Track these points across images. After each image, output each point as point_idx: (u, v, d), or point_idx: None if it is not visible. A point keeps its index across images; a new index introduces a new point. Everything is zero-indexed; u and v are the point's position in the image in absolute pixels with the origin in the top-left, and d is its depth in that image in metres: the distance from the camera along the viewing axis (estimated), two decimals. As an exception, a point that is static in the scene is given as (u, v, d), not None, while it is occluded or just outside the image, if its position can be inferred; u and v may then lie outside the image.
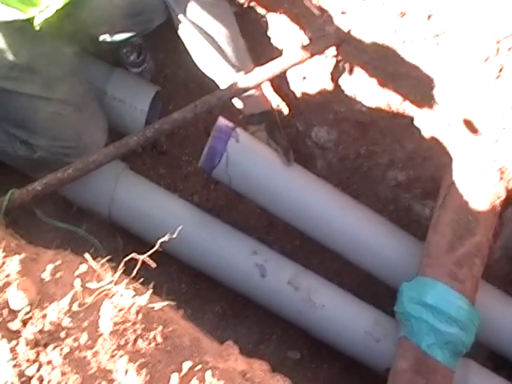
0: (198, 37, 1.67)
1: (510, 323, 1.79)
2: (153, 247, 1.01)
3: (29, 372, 0.91)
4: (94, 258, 1.05)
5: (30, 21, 1.52)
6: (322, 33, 1.68)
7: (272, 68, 1.65)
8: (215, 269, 1.83)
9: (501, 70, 1.51)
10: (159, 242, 1.03)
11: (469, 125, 1.65)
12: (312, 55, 1.67)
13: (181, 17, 1.65)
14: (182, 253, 1.81)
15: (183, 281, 1.97)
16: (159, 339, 0.95)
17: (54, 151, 1.70)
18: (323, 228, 1.79)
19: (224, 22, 1.67)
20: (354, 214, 1.80)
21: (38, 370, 0.91)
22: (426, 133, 1.75)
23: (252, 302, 1.86)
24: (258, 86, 1.69)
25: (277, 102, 1.87)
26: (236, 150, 1.72)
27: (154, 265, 1.00)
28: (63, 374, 0.90)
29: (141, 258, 1.00)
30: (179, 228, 1.15)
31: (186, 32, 1.68)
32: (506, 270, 1.90)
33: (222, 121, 1.74)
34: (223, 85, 1.70)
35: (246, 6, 1.84)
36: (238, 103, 1.79)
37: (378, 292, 1.84)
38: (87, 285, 1.01)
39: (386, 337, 1.72)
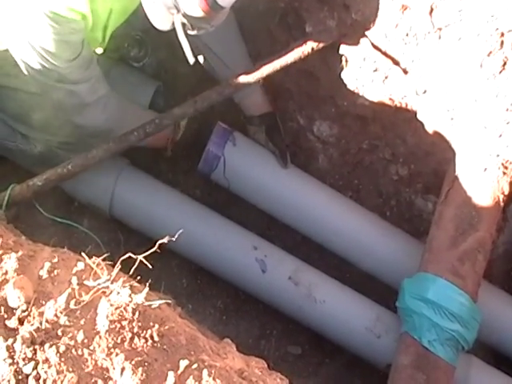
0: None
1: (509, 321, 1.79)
2: (154, 243, 1.01)
3: (26, 370, 0.91)
4: (93, 255, 1.04)
5: None
6: (323, 27, 1.66)
7: (273, 63, 1.64)
8: (216, 264, 1.83)
9: (505, 64, 1.49)
10: (158, 242, 1.02)
11: (472, 119, 1.63)
12: (313, 50, 1.65)
13: None
14: (183, 248, 1.81)
15: (184, 276, 1.97)
16: (156, 337, 0.95)
17: (54, 146, 1.70)
18: (321, 229, 1.81)
19: (227, 33, 1.68)
20: (351, 215, 1.82)
21: (35, 368, 0.91)
22: (429, 127, 1.73)
23: (253, 296, 1.86)
24: (258, 81, 1.68)
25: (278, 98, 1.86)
26: (233, 153, 1.75)
27: (150, 266, 1.00)
28: (60, 372, 0.90)
29: (138, 257, 0.99)
30: (179, 231, 1.14)
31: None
32: (508, 266, 1.89)
33: (219, 125, 1.76)
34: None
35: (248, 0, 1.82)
36: (239, 104, 1.79)
37: (379, 287, 1.84)
38: (84, 282, 1.00)
39: (387, 332, 1.72)
